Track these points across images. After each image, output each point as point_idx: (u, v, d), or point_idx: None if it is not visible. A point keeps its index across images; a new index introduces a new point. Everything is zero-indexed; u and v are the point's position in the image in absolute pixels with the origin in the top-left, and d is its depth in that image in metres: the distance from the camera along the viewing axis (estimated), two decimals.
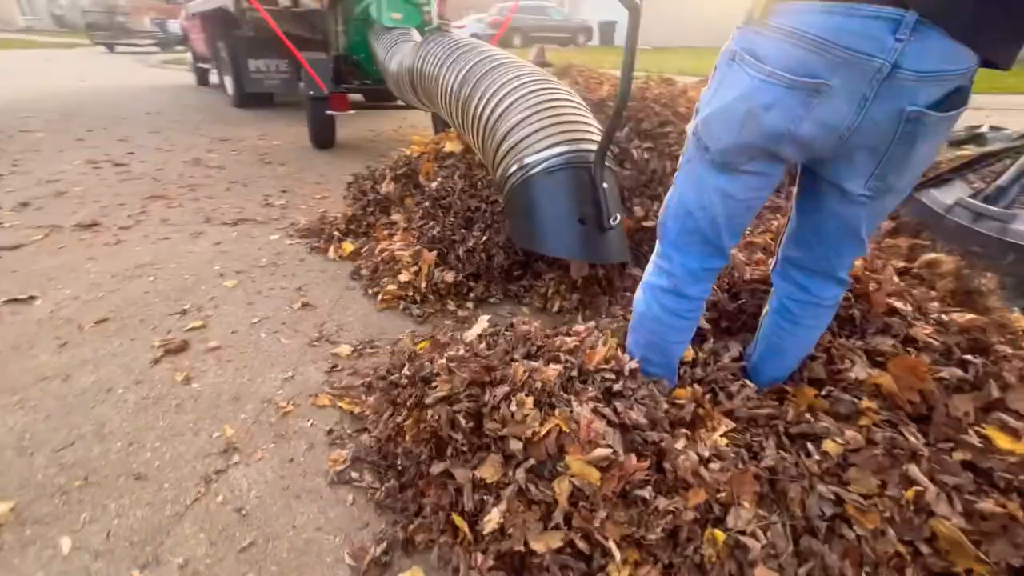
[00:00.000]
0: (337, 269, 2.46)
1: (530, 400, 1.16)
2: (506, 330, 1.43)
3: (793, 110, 0.88)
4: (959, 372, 1.25)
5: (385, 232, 2.52)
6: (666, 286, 1.18)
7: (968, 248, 1.91)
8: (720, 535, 1.04)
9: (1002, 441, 1.14)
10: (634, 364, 1.24)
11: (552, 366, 1.22)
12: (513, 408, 1.14)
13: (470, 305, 2.16)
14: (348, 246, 2.57)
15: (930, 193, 2.19)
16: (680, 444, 1.12)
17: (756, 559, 1.01)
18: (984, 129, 4.65)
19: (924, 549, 1.03)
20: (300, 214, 3.11)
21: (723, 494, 1.07)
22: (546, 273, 2.26)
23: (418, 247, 2.22)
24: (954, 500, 1.07)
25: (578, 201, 1.82)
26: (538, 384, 1.18)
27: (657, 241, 1.22)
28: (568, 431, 1.10)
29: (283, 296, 2.21)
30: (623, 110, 1.61)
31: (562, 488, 1.06)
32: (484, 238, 2.22)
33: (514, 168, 1.91)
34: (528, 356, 1.31)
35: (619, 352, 1.28)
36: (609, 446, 1.08)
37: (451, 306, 2.14)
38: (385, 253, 2.30)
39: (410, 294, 2.14)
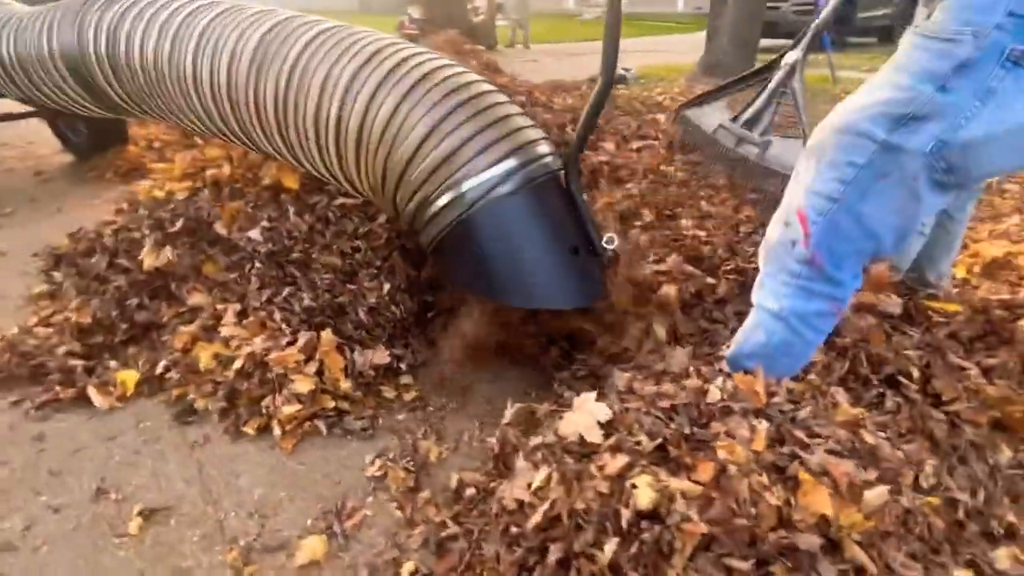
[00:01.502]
0: (139, 422, 1.41)
1: (765, 477, 0.92)
2: (622, 400, 1.07)
3: None
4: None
5: (191, 329, 1.55)
6: (827, 310, 1.06)
7: (733, 170, 2.26)
8: (934, 499, 1.07)
9: (950, 307, 1.52)
10: (792, 383, 1.12)
11: (758, 423, 0.98)
12: (773, 500, 0.88)
13: (408, 379, 1.58)
14: (128, 376, 1.49)
15: (695, 113, 2.45)
16: (871, 439, 1.08)
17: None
18: (620, 72, 5.95)
19: None
20: None
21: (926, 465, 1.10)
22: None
23: (307, 334, 1.44)
24: None
25: (555, 226, 1.40)
26: (767, 457, 0.94)
27: (797, 263, 1.03)
28: (831, 492, 0.92)
29: (84, 526, 1.14)
30: (604, 101, 1.28)
31: (857, 554, 0.90)
32: (386, 286, 1.61)
33: (446, 199, 1.33)
34: (697, 423, 1.02)
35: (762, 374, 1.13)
36: (868, 481, 0.95)
37: (389, 394, 1.52)
38: (239, 363, 1.42)
39: (329, 406, 1.40)
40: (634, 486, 0.90)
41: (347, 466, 1.30)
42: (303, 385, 1.39)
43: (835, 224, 0.97)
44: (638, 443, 0.97)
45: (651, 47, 9.24)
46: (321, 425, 1.38)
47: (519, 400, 1.23)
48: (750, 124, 2.17)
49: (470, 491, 1.19)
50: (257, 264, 1.58)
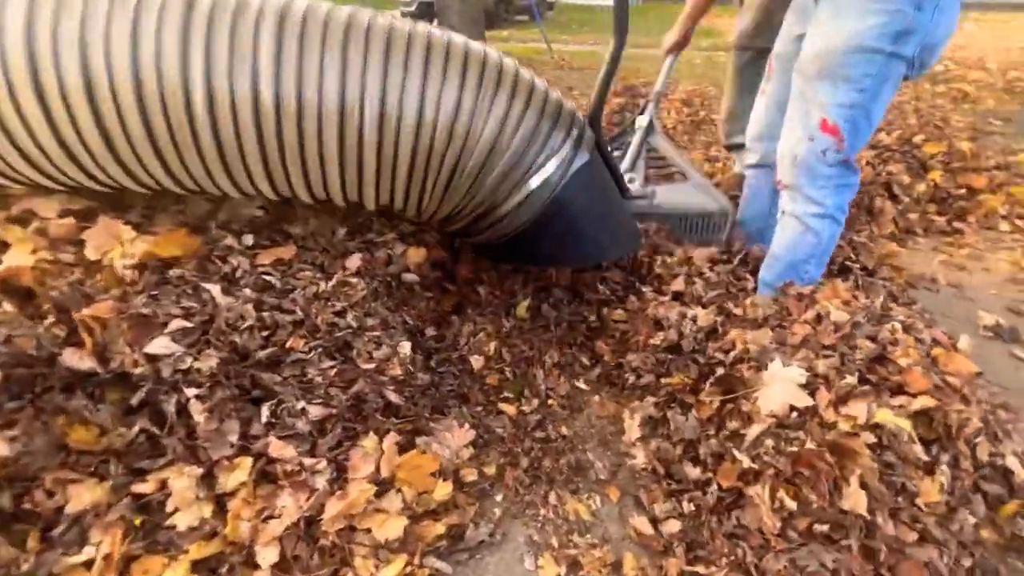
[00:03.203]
0: None
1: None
2: (786, 354, 1.04)
3: None
4: None
5: (104, 550, 0.82)
6: (853, 196, 1.34)
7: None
8: None
9: None
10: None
11: (891, 326, 1.11)
12: (954, 380, 1.03)
13: (469, 451, 1.21)
14: None
15: None
16: (896, 309, 1.36)
17: None
18: None
19: None
20: None
21: None
22: (466, 324, 1.48)
23: (359, 451, 0.93)
24: None
25: (607, 180, 1.45)
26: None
27: (830, 167, 1.27)
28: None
29: None
30: (619, 61, 1.29)
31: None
32: (404, 347, 1.18)
33: (525, 192, 1.22)
34: (851, 345, 1.08)
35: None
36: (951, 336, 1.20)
37: (471, 476, 1.14)
38: (270, 553, 0.84)
39: (437, 533, 0.98)
40: (880, 424, 0.93)
41: None
42: (393, 526, 0.93)
43: (856, 126, 1.22)
44: (853, 386, 0.99)
45: None
46: (436, 562, 0.96)
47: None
48: None
49: (671, 526, 1.03)
50: (191, 392, 0.94)
